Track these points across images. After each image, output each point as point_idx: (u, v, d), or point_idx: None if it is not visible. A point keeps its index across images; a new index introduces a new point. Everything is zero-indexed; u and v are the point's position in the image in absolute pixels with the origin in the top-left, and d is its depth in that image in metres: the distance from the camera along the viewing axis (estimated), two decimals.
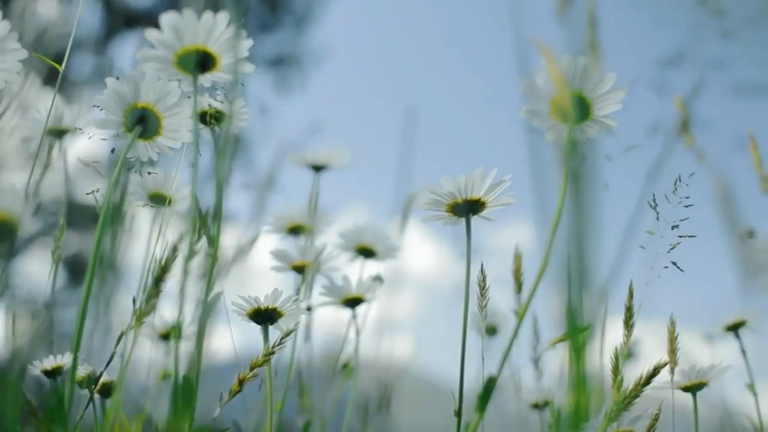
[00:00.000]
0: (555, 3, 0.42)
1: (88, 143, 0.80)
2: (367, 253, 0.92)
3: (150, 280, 0.60)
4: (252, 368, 0.60)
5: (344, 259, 0.91)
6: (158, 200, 0.81)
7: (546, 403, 0.85)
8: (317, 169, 1.02)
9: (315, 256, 0.83)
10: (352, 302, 0.83)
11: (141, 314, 0.50)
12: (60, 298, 0.77)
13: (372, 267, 0.94)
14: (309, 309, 0.87)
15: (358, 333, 0.85)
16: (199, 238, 0.53)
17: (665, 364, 0.59)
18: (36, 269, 0.84)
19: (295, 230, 0.92)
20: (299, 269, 0.84)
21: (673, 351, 0.61)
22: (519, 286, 0.63)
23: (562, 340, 0.47)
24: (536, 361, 0.69)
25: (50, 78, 0.73)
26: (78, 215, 0.83)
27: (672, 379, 0.55)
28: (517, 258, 0.64)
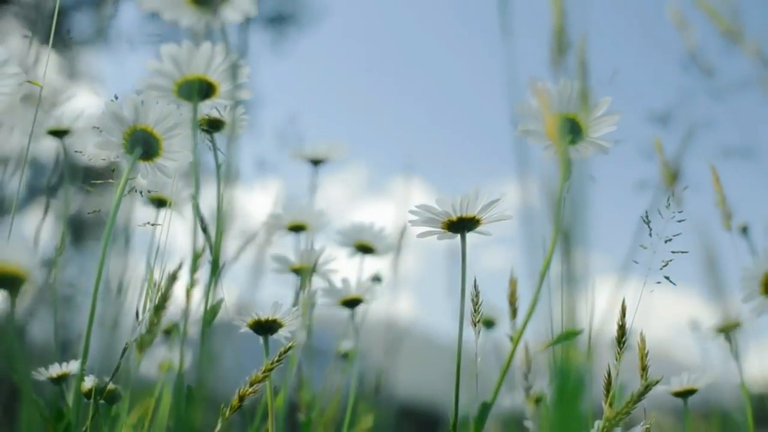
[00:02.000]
0: (549, 54, 0.42)
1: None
2: (365, 249, 0.93)
3: (152, 304, 0.61)
4: (252, 384, 0.61)
5: (343, 256, 0.93)
6: (159, 204, 0.82)
7: (539, 399, 0.86)
8: (316, 163, 1.02)
9: (314, 258, 0.84)
10: (352, 303, 0.84)
11: (143, 342, 0.52)
12: (61, 257, 0.78)
13: (372, 265, 0.96)
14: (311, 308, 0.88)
15: (357, 331, 0.87)
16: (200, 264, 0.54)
17: (657, 382, 0.60)
18: (33, 226, 0.85)
19: (295, 228, 0.93)
20: (299, 272, 0.85)
21: (644, 368, 0.62)
22: (514, 312, 0.64)
23: (552, 344, 0.49)
24: (528, 390, 0.71)
25: (49, 38, 0.73)
26: (78, 174, 0.84)
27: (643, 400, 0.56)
28: (512, 283, 0.65)
